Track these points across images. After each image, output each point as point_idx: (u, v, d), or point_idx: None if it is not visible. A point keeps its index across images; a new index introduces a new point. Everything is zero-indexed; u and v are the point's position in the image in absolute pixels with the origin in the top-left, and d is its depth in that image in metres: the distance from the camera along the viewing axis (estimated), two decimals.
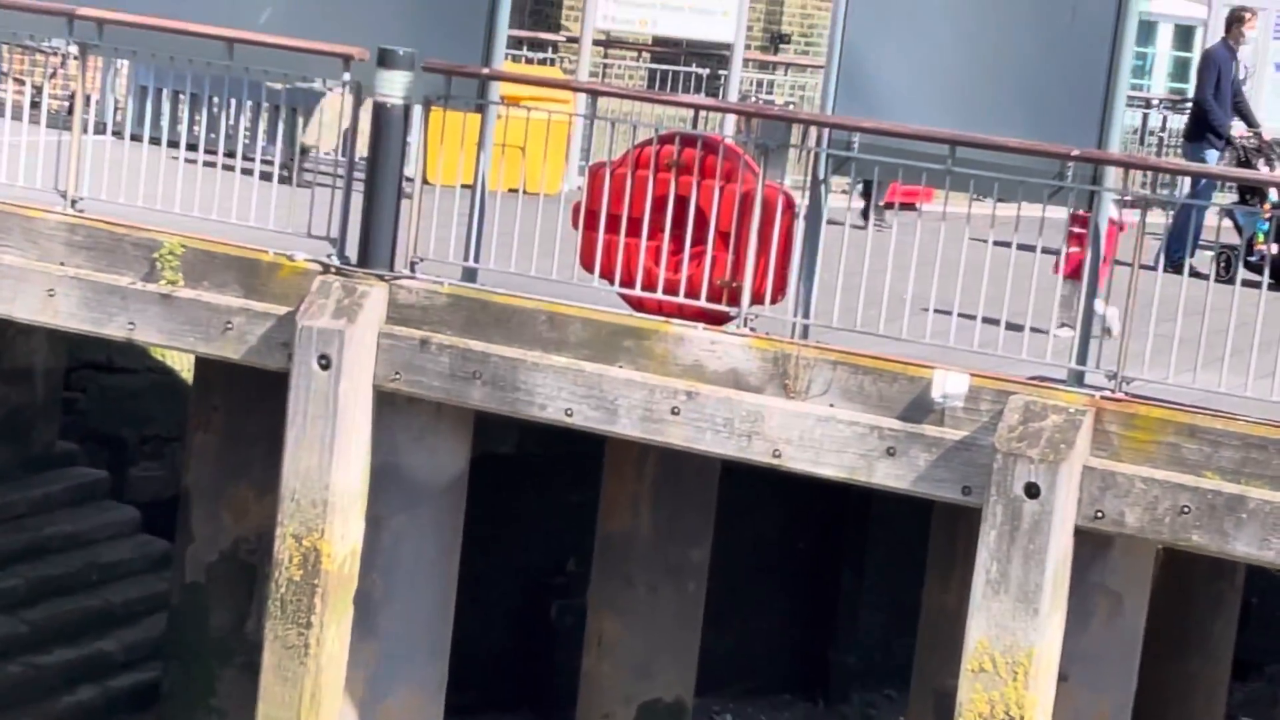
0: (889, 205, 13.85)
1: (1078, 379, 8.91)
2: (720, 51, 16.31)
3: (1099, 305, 9.91)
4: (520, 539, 14.95)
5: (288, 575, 9.76)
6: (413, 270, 9.88)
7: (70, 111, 10.89)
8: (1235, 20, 14.42)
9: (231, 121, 10.47)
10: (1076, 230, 9.92)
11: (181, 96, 10.68)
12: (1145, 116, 19.69)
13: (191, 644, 12.04)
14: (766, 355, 9.17)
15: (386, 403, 9.84)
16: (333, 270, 9.90)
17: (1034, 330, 9.16)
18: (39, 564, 13.35)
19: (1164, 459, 8.55)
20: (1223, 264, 12.45)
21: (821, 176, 9.45)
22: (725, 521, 12.36)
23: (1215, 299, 8.82)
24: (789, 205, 9.46)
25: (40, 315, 10.46)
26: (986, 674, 8.63)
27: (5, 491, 13.56)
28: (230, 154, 10.22)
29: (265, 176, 10.34)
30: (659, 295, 9.51)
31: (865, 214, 13.38)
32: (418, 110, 9.83)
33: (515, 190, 9.96)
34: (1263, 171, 13.60)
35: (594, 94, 11.21)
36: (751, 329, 9.35)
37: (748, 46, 17.06)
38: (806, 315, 9.32)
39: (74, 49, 10.63)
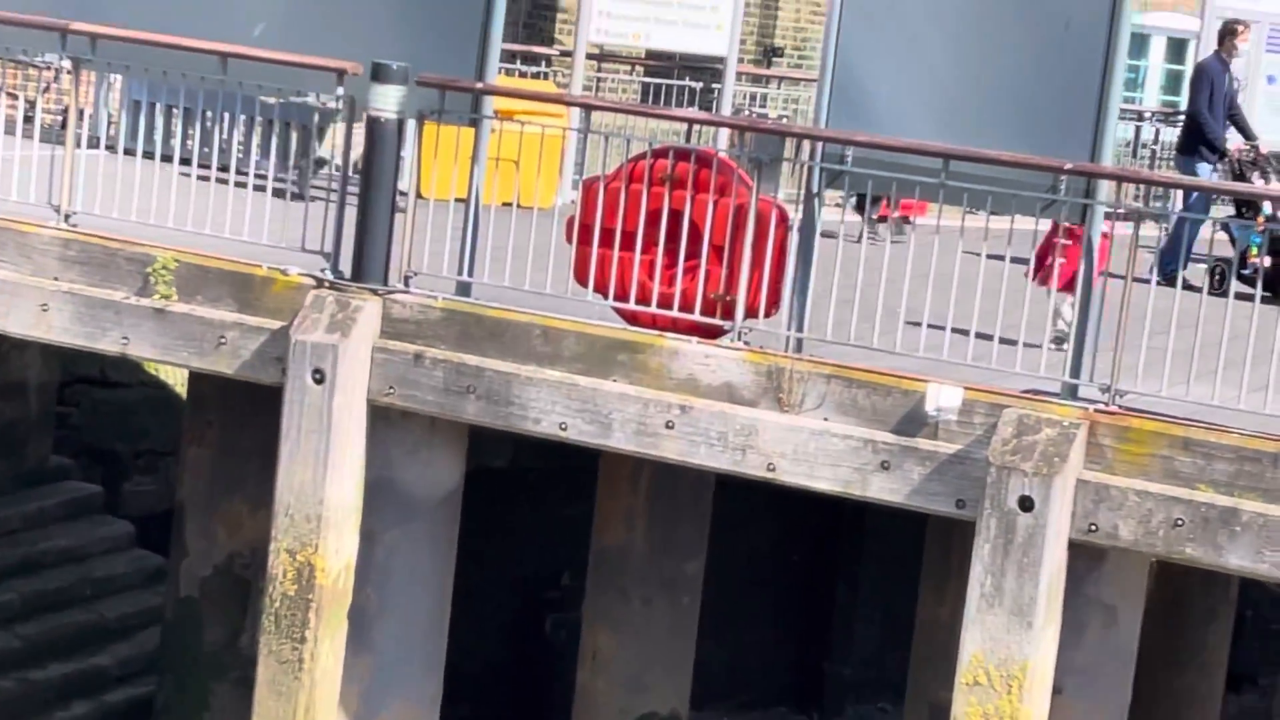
0: (883, 219, 13.87)
1: (1071, 392, 8.92)
2: (713, 65, 16.33)
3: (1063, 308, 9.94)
4: (514, 553, 14.95)
5: (282, 590, 9.76)
6: (407, 285, 9.89)
7: (63, 126, 10.89)
8: (1228, 33, 14.43)
9: (225, 136, 10.47)
10: (1062, 241, 9.93)
11: (175, 111, 10.69)
12: (1138, 129, 19.71)
13: (186, 659, 12.02)
14: (760, 369, 9.17)
15: (381, 417, 9.84)
16: (327, 285, 9.90)
17: (1027, 345, 9.17)
18: (33, 579, 13.33)
19: (1158, 472, 8.55)
20: (1216, 277, 12.47)
21: (815, 190, 9.46)
22: (720, 535, 12.36)
23: (1208, 312, 8.83)
24: (782, 219, 9.47)
25: (34, 330, 10.46)
26: (981, 687, 8.63)
27: None
28: (224, 168, 10.23)
29: (260, 190, 10.34)
30: (653, 309, 9.51)
31: (872, 226, 13.35)
32: (411, 125, 9.83)
33: (509, 204, 9.97)
34: (1257, 185, 13.61)
35: (588, 108, 11.22)
36: (745, 343, 9.35)
37: (741, 60, 17.08)
38: (800, 329, 9.33)
39: (67, 64, 10.63)
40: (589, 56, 16.23)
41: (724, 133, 14.86)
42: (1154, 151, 19.49)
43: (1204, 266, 12.46)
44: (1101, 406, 8.77)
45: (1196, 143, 14.21)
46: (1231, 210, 14.08)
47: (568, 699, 12.21)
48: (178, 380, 14.65)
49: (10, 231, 10.50)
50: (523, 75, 16.66)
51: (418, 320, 9.78)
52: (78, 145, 10.55)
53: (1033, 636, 8.58)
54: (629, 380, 9.34)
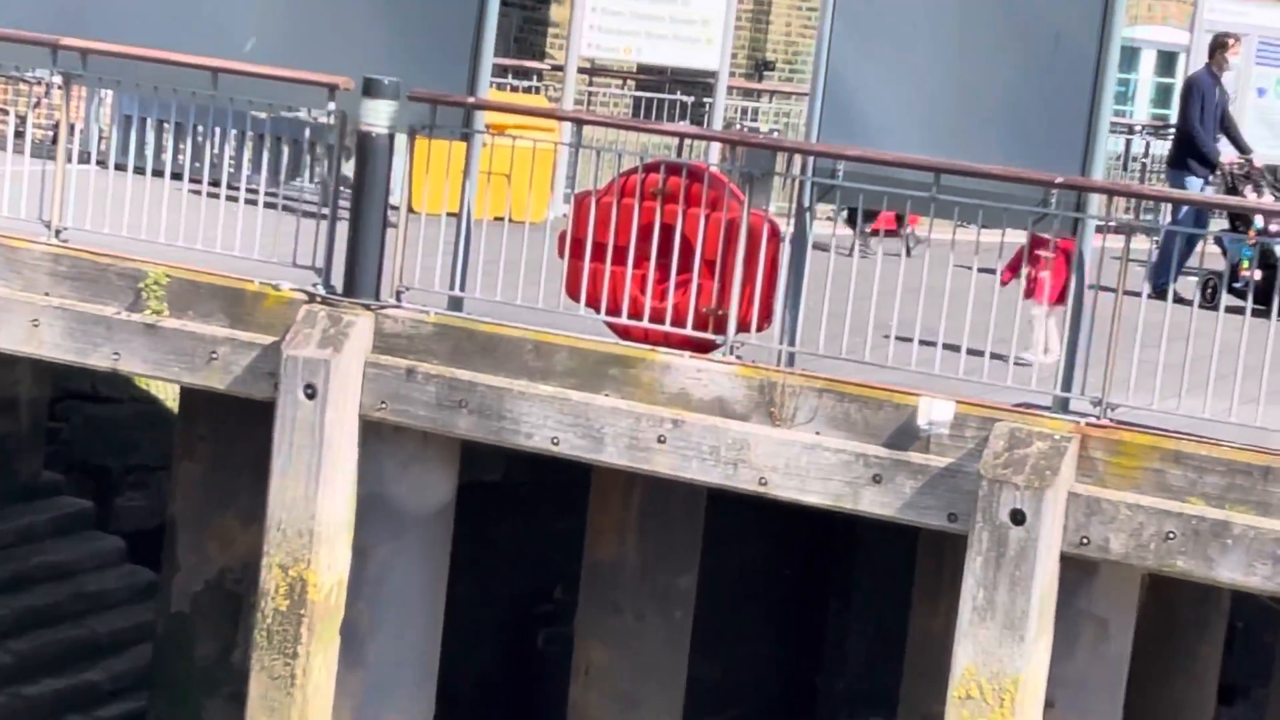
0: (874, 232, 13.88)
1: (1063, 406, 8.93)
2: (705, 79, 16.35)
3: (1053, 330, 9.96)
4: (507, 567, 14.94)
5: (274, 605, 9.74)
6: (398, 299, 9.89)
7: (54, 141, 10.89)
8: (1219, 46, 14.44)
9: (216, 151, 10.47)
10: (1043, 254, 9.95)
11: (166, 126, 10.69)
12: (1128, 142, 19.75)
13: (177, 674, 12.01)
14: (752, 383, 9.18)
15: (373, 432, 9.84)
16: (318, 300, 9.90)
17: (1019, 359, 9.18)
18: (24, 594, 13.31)
19: (1149, 485, 8.57)
20: (1208, 290, 12.48)
21: (806, 204, 9.48)
22: (712, 549, 12.36)
23: (1200, 325, 8.84)
24: (774, 233, 9.48)
25: (24, 346, 10.45)
26: (973, 700, 8.63)
27: None
28: (215, 183, 10.23)
29: (251, 205, 10.34)
30: (645, 323, 9.52)
31: (864, 240, 13.35)
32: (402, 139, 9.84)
33: (501, 219, 9.97)
34: (1249, 198, 13.62)
35: (579, 122, 11.23)
36: (737, 357, 9.36)
37: (732, 74, 17.10)
38: (792, 343, 9.34)
39: (58, 79, 10.63)
40: (580, 71, 16.26)
41: (715, 147, 14.88)
42: (1144, 165, 19.53)
43: (1194, 279, 12.49)
44: (1093, 420, 8.78)
45: (1186, 156, 14.22)
46: (1225, 224, 14.08)
47: (560, 714, 12.20)
48: (169, 395, 14.64)
49: (1, 247, 10.49)
50: (514, 89, 16.68)
51: (410, 335, 9.78)
52: (69, 160, 10.55)
53: (1025, 650, 8.58)
54: (621, 395, 9.34)
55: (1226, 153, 14.37)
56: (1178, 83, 21.84)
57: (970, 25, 9.38)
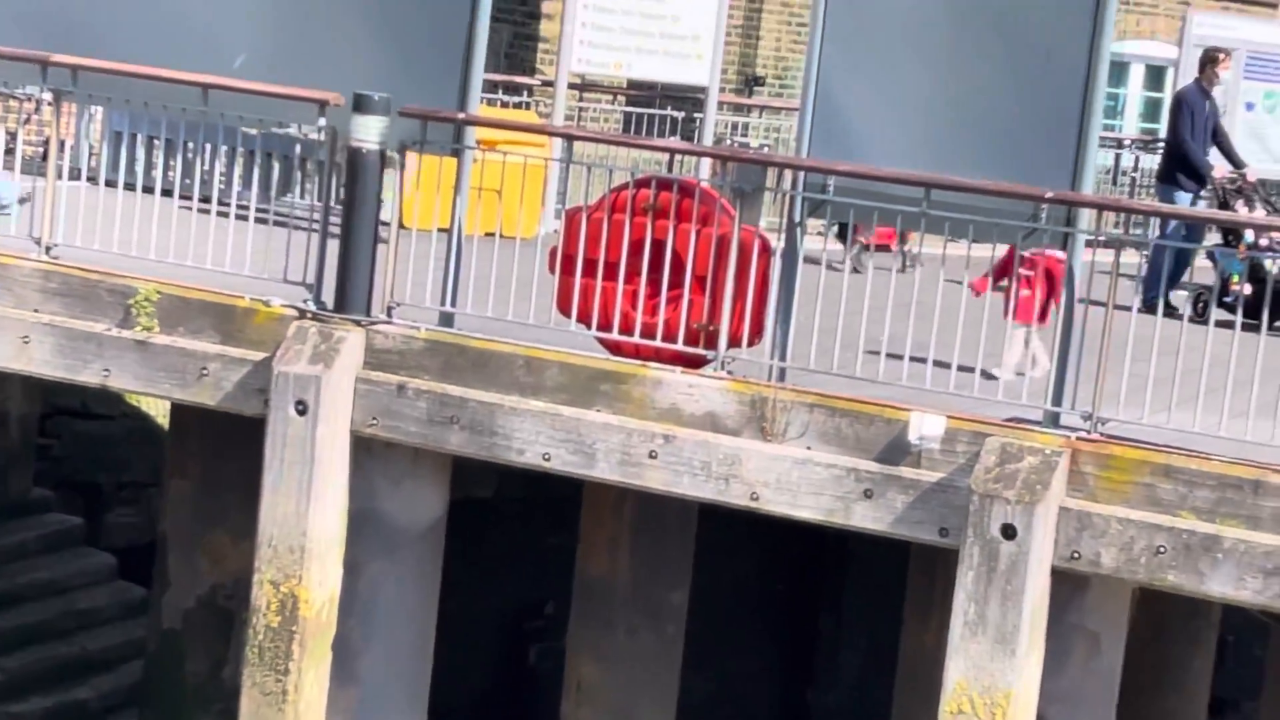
0: (865, 247, 13.89)
1: (1053, 420, 8.94)
2: (695, 94, 16.37)
3: (1036, 348, 9.98)
4: (498, 583, 14.93)
5: (265, 621, 9.73)
6: (389, 315, 9.89)
7: (44, 158, 10.89)
8: (1209, 61, 14.46)
9: (207, 167, 10.48)
10: (1024, 272, 9.97)
11: (156, 142, 10.69)
12: (1117, 157, 19.79)
13: (168, 691, 11.98)
14: (744, 398, 9.18)
15: (364, 448, 9.83)
16: (309, 316, 9.90)
17: (986, 372, 9.19)
18: (14, 611, 13.28)
19: (1139, 499, 8.57)
20: (1199, 305, 12.49)
21: (797, 219, 9.49)
22: (704, 564, 12.35)
23: (1189, 339, 8.86)
24: (765, 248, 9.49)
25: (14, 363, 10.43)
26: (965, 715, 8.63)
27: None
28: (206, 199, 10.23)
29: (242, 221, 10.34)
30: (636, 339, 9.52)
31: (854, 267, 13.31)
32: (410, 156, 9.82)
33: (491, 234, 9.98)
34: (1240, 212, 13.64)
35: (569, 138, 11.23)
36: (729, 372, 9.36)
37: (722, 89, 17.12)
38: (783, 358, 9.34)
39: (48, 95, 10.63)
40: (571, 86, 16.27)
41: (706, 162, 14.89)
42: (1134, 179, 19.56)
43: (1184, 293, 12.50)
44: (1083, 434, 8.79)
45: (1175, 171, 14.24)
46: (1218, 238, 14.10)
47: None
48: (159, 412, 14.63)
49: None
50: (504, 105, 16.69)
51: (401, 351, 9.78)
52: (59, 177, 10.55)
53: (1016, 664, 8.58)
54: (612, 410, 9.35)
55: (1219, 167, 14.38)
56: (1167, 97, 21.88)
57: (960, 40, 9.40)
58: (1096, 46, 9.10)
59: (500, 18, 18.12)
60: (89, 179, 10.80)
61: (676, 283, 9.46)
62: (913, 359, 9.17)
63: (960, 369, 9.19)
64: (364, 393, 9.75)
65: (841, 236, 14.02)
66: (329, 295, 9.93)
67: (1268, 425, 8.64)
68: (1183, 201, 13.93)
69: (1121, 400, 8.88)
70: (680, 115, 16.93)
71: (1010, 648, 8.57)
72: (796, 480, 9.00)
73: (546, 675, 14.27)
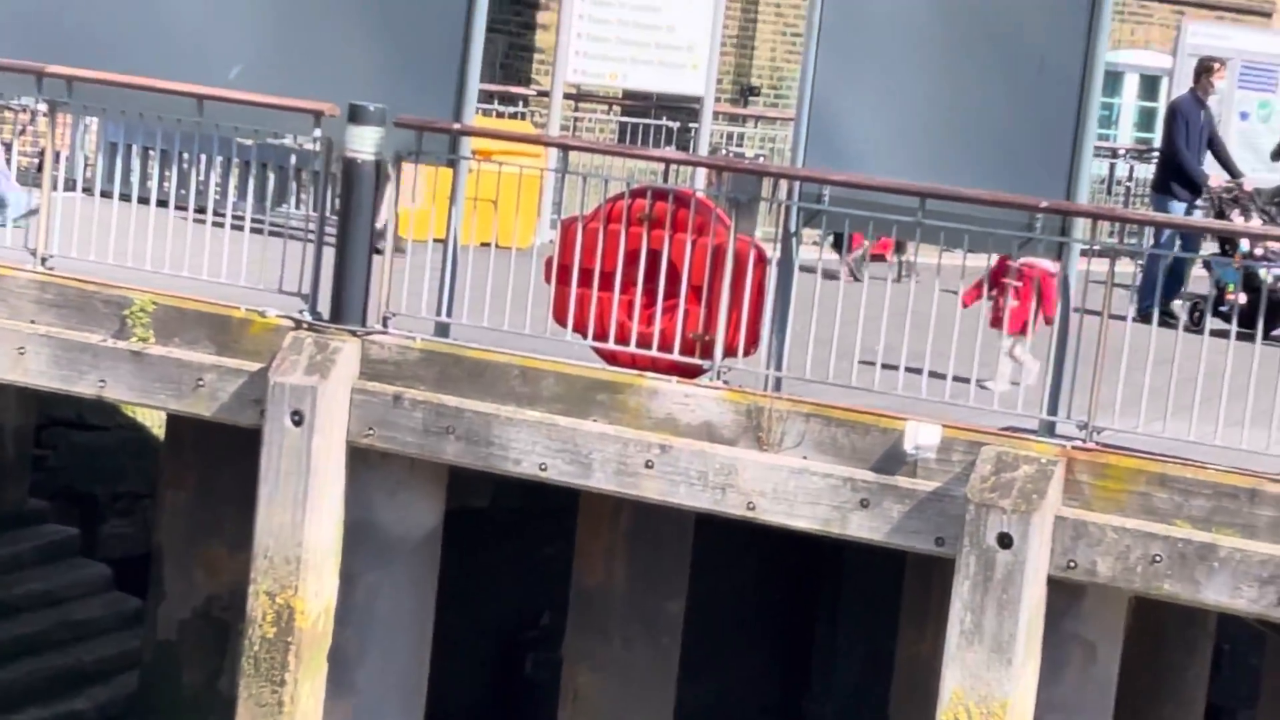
0: (865, 255, 13.89)
1: (1049, 429, 8.95)
2: (690, 104, 16.38)
3: (1022, 355, 9.99)
4: (495, 593, 14.92)
5: (261, 632, 9.72)
6: (385, 326, 9.89)
7: (39, 169, 10.89)
8: (1204, 70, 14.46)
9: (202, 178, 10.48)
10: (1012, 282, 9.98)
11: (152, 153, 10.69)
12: (1112, 166, 19.82)
13: (164, 702, 11.98)
14: (740, 408, 9.18)
15: (360, 459, 9.83)
16: (305, 326, 9.90)
17: (981, 383, 9.19)
18: (9, 623, 13.26)
19: (1135, 508, 8.58)
20: (1195, 314, 12.51)
21: (793, 229, 9.50)
22: (700, 574, 12.35)
23: (1185, 348, 8.87)
24: (760, 258, 9.50)
25: (10, 374, 10.42)
26: None
27: None
28: (201, 210, 10.22)
29: (237, 231, 10.34)
30: (632, 349, 9.53)
31: (853, 274, 13.29)
32: (407, 168, 9.82)
33: (487, 244, 9.98)
34: (1237, 222, 13.64)
35: (565, 148, 11.24)
36: (725, 382, 9.37)
37: (717, 99, 17.14)
38: (779, 368, 9.35)
39: (43, 106, 10.63)
40: (566, 96, 16.28)
41: (701, 172, 14.90)
42: (1128, 188, 19.59)
43: (1179, 303, 12.52)
44: (1079, 443, 8.79)
45: (1169, 180, 14.26)
46: (1215, 247, 14.11)
47: None
48: (155, 422, 14.62)
49: None
50: (500, 115, 16.70)
51: (397, 361, 9.78)
52: (54, 188, 10.55)
53: (1012, 673, 8.58)
54: (608, 420, 9.35)
55: (1215, 176, 14.39)
56: (1161, 107, 21.91)
57: (954, 50, 9.41)
58: (1091, 56, 9.11)
59: (495, 28, 18.12)
60: (84, 190, 10.80)
61: (672, 292, 9.46)
62: (908, 369, 9.17)
63: (956, 379, 9.19)
64: (360, 403, 9.75)
65: (837, 246, 14.03)
66: (325, 306, 9.93)
67: (1263, 434, 8.65)
68: (1177, 211, 13.94)
69: (1117, 409, 8.89)
70: (675, 125, 16.94)
71: (1006, 657, 8.57)
72: (793, 490, 9.00)
73: (543, 685, 14.26)
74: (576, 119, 17.73)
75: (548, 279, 9.78)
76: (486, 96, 16.16)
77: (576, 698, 11.89)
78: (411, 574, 10.08)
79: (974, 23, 9.39)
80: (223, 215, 10.26)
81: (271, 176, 10.92)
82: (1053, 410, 8.97)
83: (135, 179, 10.54)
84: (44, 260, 10.51)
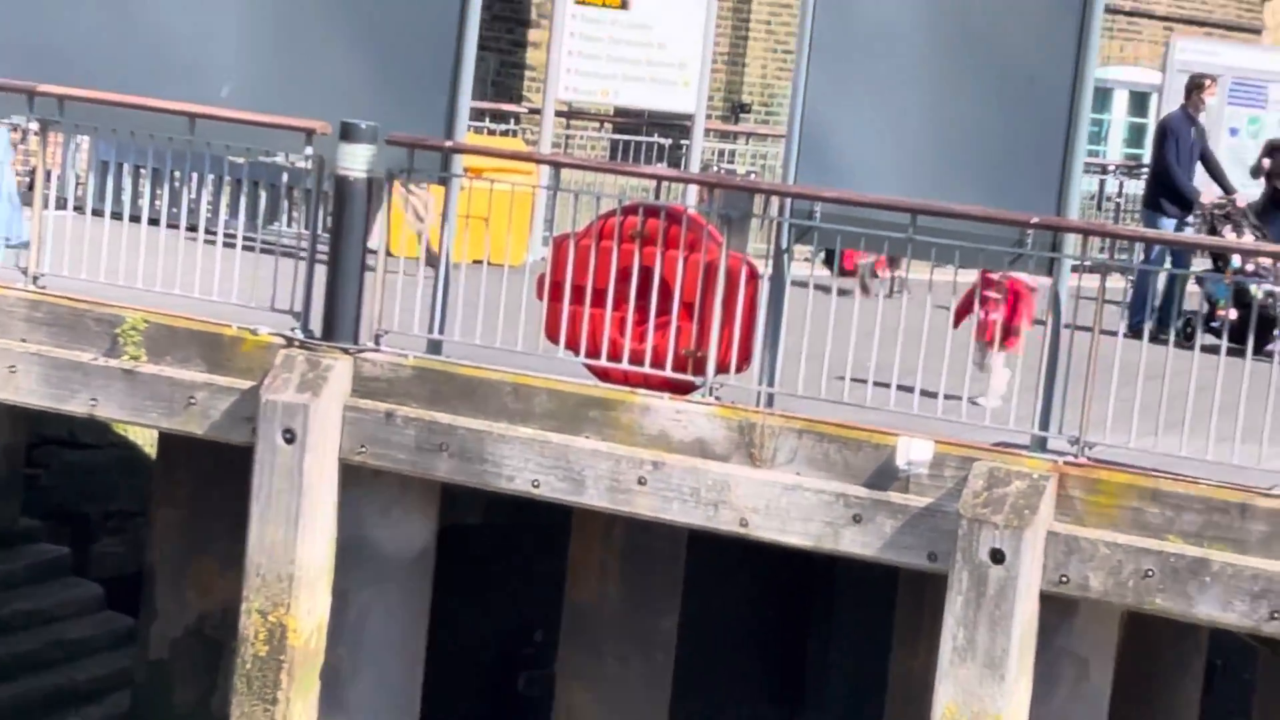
0: (851, 273, 13.90)
1: (1040, 445, 8.96)
2: (681, 121, 16.41)
3: (996, 366, 10.01)
4: (487, 610, 14.90)
5: (253, 651, 9.71)
6: (377, 343, 9.89)
7: (31, 187, 10.89)
8: (1194, 87, 14.49)
9: (194, 196, 10.48)
10: (991, 295, 10.00)
11: (143, 171, 10.70)
12: (1102, 182, 19.86)
13: None
14: (732, 424, 9.19)
15: (352, 476, 9.82)
16: (296, 344, 9.90)
17: (973, 400, 9.19)
18: (1, 642, 13.24)
19: (1127, 523, 8.59)
20: (1188, 329, 12.52)
21: (784, 246, 9.51)
22: (693, 591, 12.35)
23: (1176, 363, 8.88)
24: (752, 275, 9.51)
25: (1, 392, 10.41)
26: None
27: None
28: (193, 228, 10.23)
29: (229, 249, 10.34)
30: (624, 366, 9.53)
31: (864, 287, 13.26)
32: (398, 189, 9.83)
33: (479, 262, 9.99)
34: (1229, 238, 13.66)
35: (557, 165, 11.26)
36: (717, 398, 9.37)
37: (709, 116, 17.17)
38: (771, 384, 9.36)
39: (35, 125, 10.63)
40: (558, 114, 16.30)
41: (693, 189, 14.92)
42: (1118, 204, 19.63)
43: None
44: (1071, 459, 8.80)
45: (1159, 197, 14.29)
46: (1208, 263, 14.12)
47: None
48: (147, 441, 14.61)
49: None
50: (491, 133, 16.72)
51: (389, 379, 9.78)
52: (45, 206, 10.55)
53: (1005, 689, 8.58)
54: (601, 437, 9.35)
55: (1208, 192, 14.41)
56: (1150, 123, 21.98)
57: (945, 67, 9.43)
58: (1080, 72, 9.14)
59: (487, 46, 18.14)
60: (76, 208, 10.80)
61: (664, 309, 9.47)
62: (900, 388, 9.18)
63: (947, 396, 9.20)
64: (352, 420, 9.75)
65: (828, 263, 14.05)
66: (317, 323, 9.93)
67: (1254, 449, 8.66)
68: (1167, 227, 13.96)
69: (1108, 424, 8.90)
70: (667, 142, 16.97)
71: (999, 673, 8.57)
72: (785, 506, 9.00)
73: (536, 702, 14.24)
74: (568, 136, 17.75)
75: (540, 296, 9.78)
76: (478, 114, 16.17)
77: (569, 715, 11.87)
78: (404, 592, 10.07)
79: (964, 39, 9.41)
80: (214, 233, 10.26)
81: (263, 194, 10.94)
82: (1044, 425, 8.98)
83: (127, 197, 10.54)
84: (35, 279, 10.51)
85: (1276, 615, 8.30)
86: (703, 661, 14.39)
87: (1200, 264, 14.10)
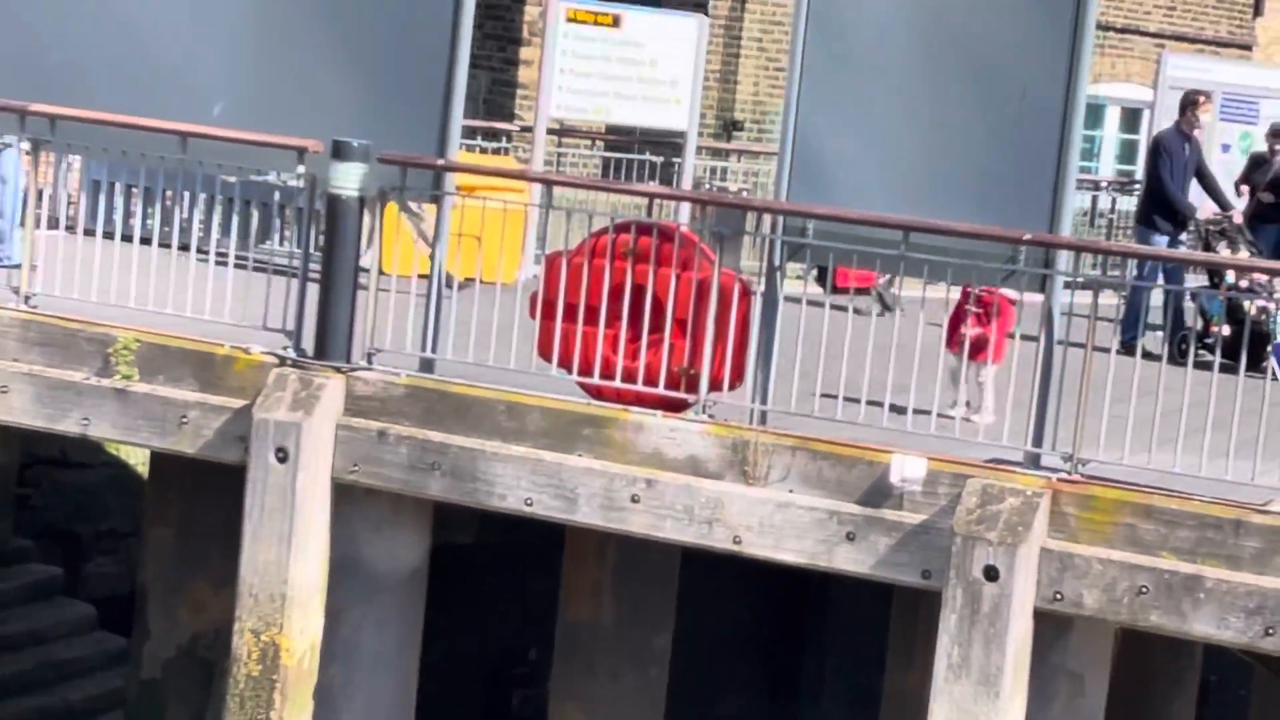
0: (843, 289, 13.90)
1: (1034, 461, 8.95)
2: (674, 139, 16.42)
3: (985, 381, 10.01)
4: (481, 628, 14.88)
5: (246, 670, 9.69)
6: (370, 362, 9.88)
7: (23, 207, 10.87)
8: (1189, 104, 14.48)
9: (186, 215, 10.48)
10: (974, 310, 10.00)
11: (135, 190, 10.69)
12: (1094, 198, 19.87)
13: None
14: (725, 442, 9.18)
15: (345, 495, 9.81)
16: (289, 362, 9.89)
17: (966, 418, 9.18)
18: None
19: (1121, 540, 8.58)
20: (1182, 346, 12.53)
21: (777, 263, 9.51)
22: (687, 608, 12.33)
23: (1169, 379, 8.88)
24: (745, 292, 9.51)
25: None
26: None
27: None
28: (185, 247, 10.22)
29: (221, 268, 10.34)
30: (617, 383, 9.52)
31: (885, 305, 13.25)
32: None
33: (472, 280, 9.98)
34: (1224, 254, 13.67)
35: (549, 183, 11.25)
36: (710, 416, 9.36)
37: (701, 134, 17.17)
38: (764, 401, 9.35)
39: (26, 145, 10.62)
40: (549, 132, 16.31)
41: (685, 207, 14.93)
42: (1111, 220, 19.64)
43: (1161, 334, 12.54)
44: (1064, 475, 8.80)
45: (1152, 213, 14.29)
46: (1204, 279, 14.12)
47: None
48: (139, 460, 14.58)
49: None
50: (484, 151, 16.72)
51: (381, 397, 9.77)
52: (37, 226, 10.54)
53: (1000, 706, 8.57)
54: (594, 455, 9.34)
55: (1204, 208, 14.42)
56: (1142, 139, 21.99)
57: (937, 84, 9.44)
58: (1072, 89, 9.15)
59: (478, 64, 18.16)
60: (68, 228, 10.80)
61: (657, 327, 9.47)
62: (893, 407, 9.17)
63: (940, 414, 9.20)
64: (345, 439, 9.73)
65: (821, 280, 14.05)
66: (309, 342, 9.92)
67: (1247, 465, 8.66)
68: (1159, 243, 13.96)
69: (1102, 441, 8.90)
70: (659, 160, 16.97)
71: (994, 690, 8.55)
72: (779, 524, 8.99)
73: None
74: (560, 154, 17.77)
75: (532, 314, 9.78)
76: (470, 132, 16.18)
77: None
78: (397, 610, 10.05)
79: (956, 57, 9.42)
80: (206, 252, 10.25)
81: (255, 213, 10.92)
82: (1038, 442, 8.97)
83: (119, 216, 10.53)
84: (27, 299, 10.49)
85: (1271, 631, 8.30)
86: (697, 679, 14.36)
87: (1196, 280, 14.11)
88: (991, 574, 8.53)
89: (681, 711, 12.76)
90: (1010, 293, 9.90)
